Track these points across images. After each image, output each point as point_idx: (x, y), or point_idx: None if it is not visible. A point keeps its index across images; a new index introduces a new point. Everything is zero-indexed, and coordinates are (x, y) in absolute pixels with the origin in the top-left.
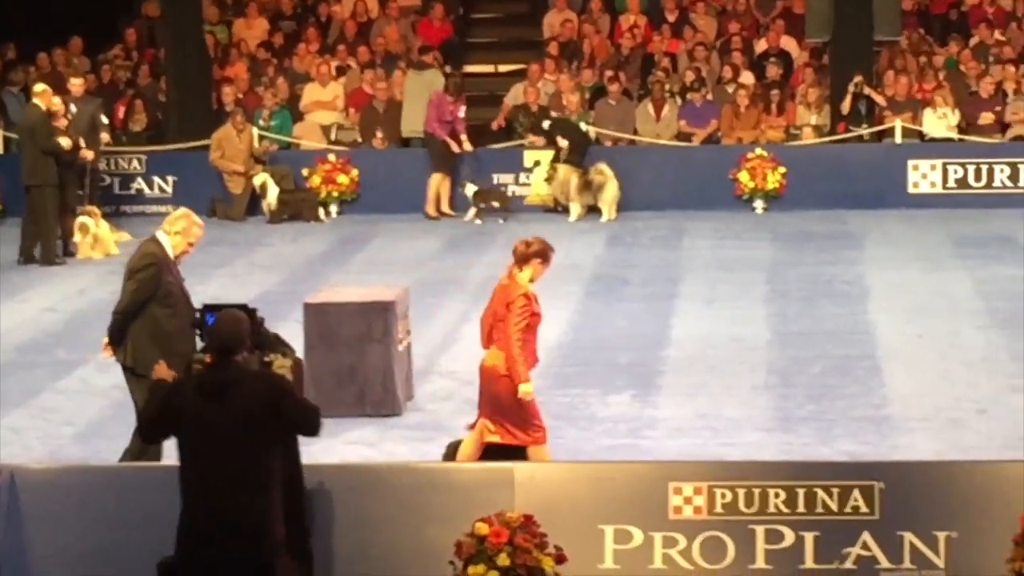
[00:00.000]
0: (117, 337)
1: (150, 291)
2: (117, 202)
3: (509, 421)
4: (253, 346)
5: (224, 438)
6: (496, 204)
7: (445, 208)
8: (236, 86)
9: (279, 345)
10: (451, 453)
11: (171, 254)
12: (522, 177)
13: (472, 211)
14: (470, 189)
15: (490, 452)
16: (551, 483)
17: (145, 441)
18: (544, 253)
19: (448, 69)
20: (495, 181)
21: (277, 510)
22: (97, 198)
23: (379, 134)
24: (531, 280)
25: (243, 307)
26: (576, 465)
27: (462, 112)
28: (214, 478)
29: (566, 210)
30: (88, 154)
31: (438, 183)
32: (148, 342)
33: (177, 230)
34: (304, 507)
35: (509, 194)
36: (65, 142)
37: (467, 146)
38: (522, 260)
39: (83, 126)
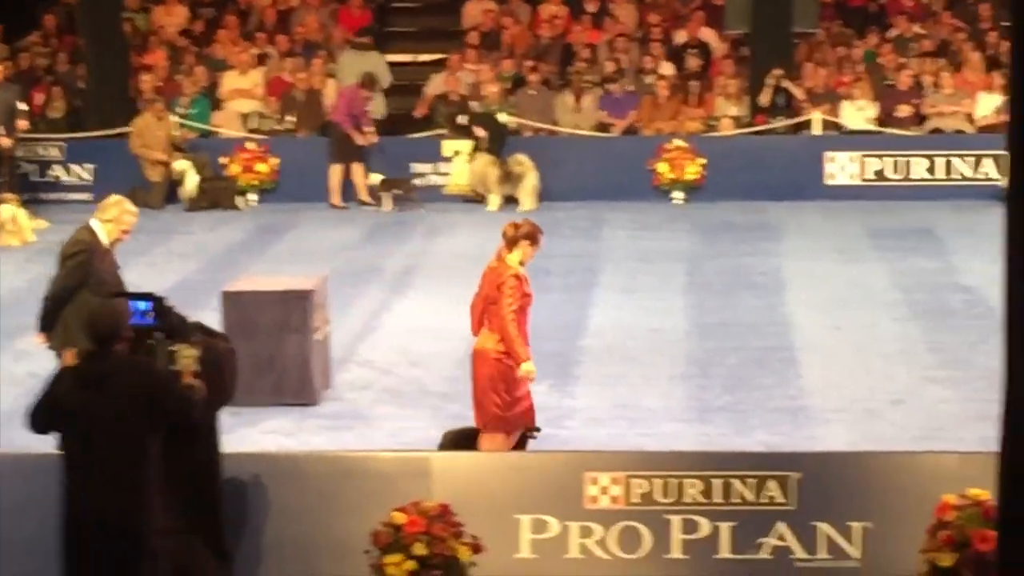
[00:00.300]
0: (48, 323)
1: (80, 278)
2: (35, 189)
3: (483, 403)
4: (165, 335)
5: (100, 428)
6: (400, 192)
7: (365, 197)
8: (155, 74)
9: (198, 333)
10: (447, 443)
11: (105, 241)
12: (441, 167)
13: (384, 199)
14: (375, 178)
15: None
16: (468, 473)
17: (33, 431)
18: (533, 235)
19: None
20: (412, 171)
21: (154, 501)
22: (15, 185)
23: (289, 118)
24: (521, 262)
25: (150, 295)
26: (493, 455)
27: (370, 106)
28: (91, 468)
29: (485, 200)
30: (5, 141)
31: (340, 173)
32: (79, 329)
33: (109, 218)
34: (221, 499)
35: (430, 183)
36: None
37: (372, 138)
38: (511, 242)
39: (0, 113)
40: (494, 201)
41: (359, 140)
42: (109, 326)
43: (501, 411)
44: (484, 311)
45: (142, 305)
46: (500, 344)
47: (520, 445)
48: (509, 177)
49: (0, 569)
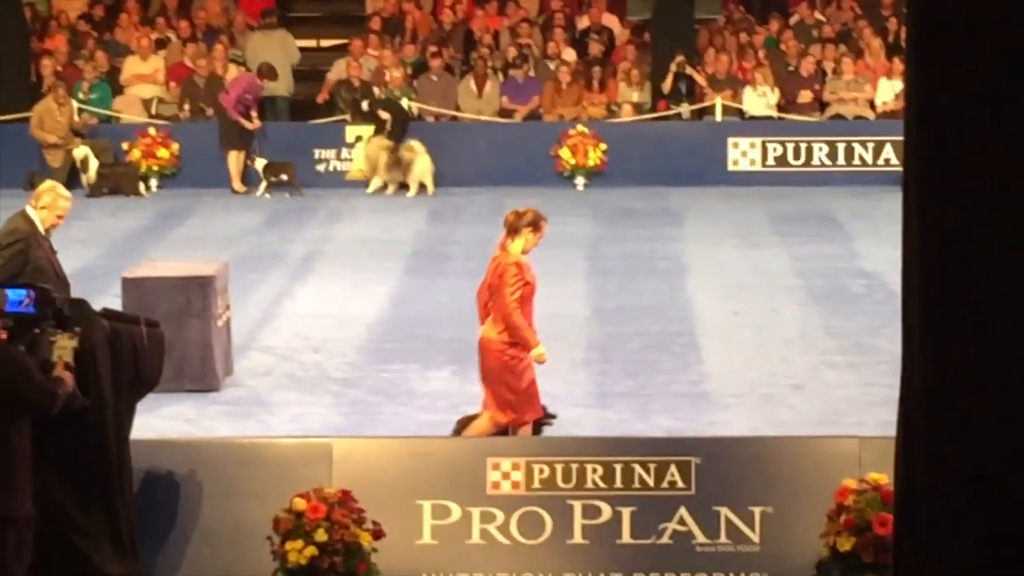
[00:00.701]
0: None
1: (18, 266)
2: None
3: (496, 392)
4: (56, 324)
5: None
6: (284, 177)
7: (237, 186)
8: (56, 58)
9: (104, 321)
10: (460, 429)
11: (41, 228)
12: (344, 152)
13: (263, 185)
14: (259, 163)
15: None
16: (369, 458)
17: None
18: (535, 223)
19: None
20: (315, 156)
21: (20, 487)
22: None
23: (187, 107)
24: (524, 251)
25: (28, 285)
26: (395, 440)
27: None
28: None
29: (385, 185)
30: None
31: (236, 159)
32: None
33: (43, 204)
34: (118, 487)
35: (333, 169)
36: None
37: (257, 122)
38: (512, 231)
39: None
40: (375, 183)
41: (248, 126)
42: None
43: (512, 397)
44: (489, 300)
45: (18, 294)
46: (503, 334)
47: (535, 433)
48: (399, 162)
49: None
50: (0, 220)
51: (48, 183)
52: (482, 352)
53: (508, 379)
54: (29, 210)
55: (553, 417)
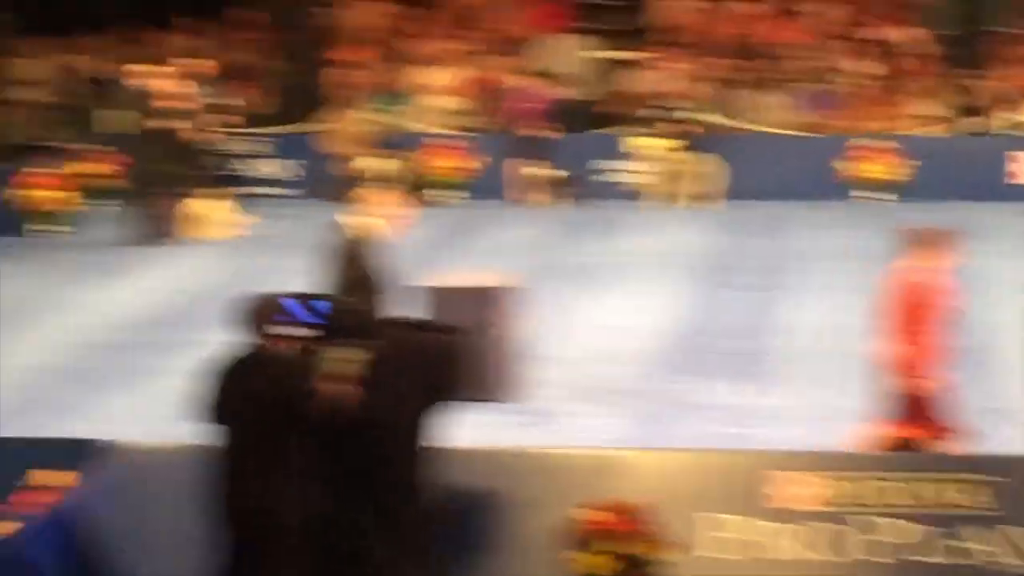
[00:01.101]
0: None
1: (349, 277)
2: (244, 184)
3: (906, 414)
4: (346, 336)
5: (238, 418)
6: (568, 188)
7: (535, 195)
8: (355, 69)
9: (391, 329)
10: (871, 447)
11: (365, 236)
12: (627, 164)
13: (551, 196)
14: (546, 174)
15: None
16: (651, 470)
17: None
18: (944, 241)
19: None
20: (593, 167)
21: (294, 491)
22: (219, 179)
23: (481, 118)
24: (934, 269)
25: (313, 295)
26: (676, 452)
27: (545, 101)
28: (231, 456)
29: (669, 197)
30: (200, 135)
31: (524, 170)
32: None
33: (373, 212)
34: (412, 503)
35: (613, 180)
36: (178, 124)
37: (546, 133)
38: (921, 248)
39: (199, 108)
40: (673, 199)
41: (538, 136)
42: (247, 321)
43: (916, 415)
44: (896, 319)
45: (310, 305)
46: (905, 352)
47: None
48: (691, 177)
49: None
50: (304, 232)
51: (374, 191)
52: (886, 369)
53: (913, 399)
54: (362, 218)
55: (955, 432)
